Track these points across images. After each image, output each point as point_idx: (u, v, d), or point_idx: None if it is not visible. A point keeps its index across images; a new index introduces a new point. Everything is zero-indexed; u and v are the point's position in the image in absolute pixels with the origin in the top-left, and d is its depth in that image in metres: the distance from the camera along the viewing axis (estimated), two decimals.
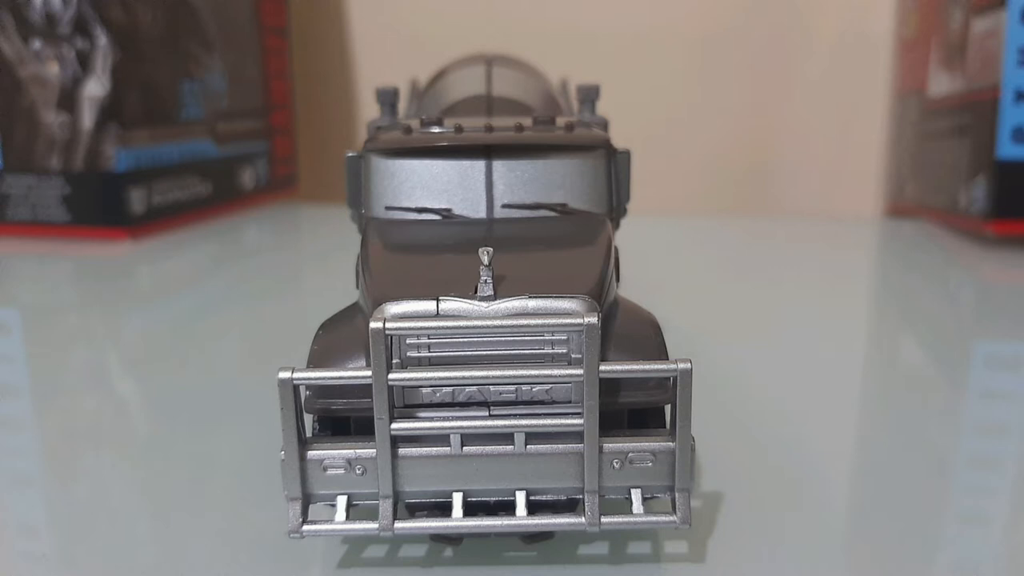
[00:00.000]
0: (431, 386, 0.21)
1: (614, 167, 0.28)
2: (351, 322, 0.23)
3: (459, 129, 0.27)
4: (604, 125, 0.31)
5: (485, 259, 0.21)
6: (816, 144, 0.85)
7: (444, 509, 0.21)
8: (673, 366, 0.20)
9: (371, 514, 0.21)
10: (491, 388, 0.21)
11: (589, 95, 0.32)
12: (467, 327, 0.20)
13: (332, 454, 0.21)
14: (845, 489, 0.27)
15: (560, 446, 0.21)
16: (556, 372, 0.20)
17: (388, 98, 0.32)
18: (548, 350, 0.21)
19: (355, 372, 0.20)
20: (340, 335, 0.22)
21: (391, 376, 0.20)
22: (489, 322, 0.20)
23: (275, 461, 0.21)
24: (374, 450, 0.20)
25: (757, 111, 0.85)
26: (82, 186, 0.62)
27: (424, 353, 0.21)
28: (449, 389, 0.21)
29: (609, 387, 0.21)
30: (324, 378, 0.21)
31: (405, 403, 0.21)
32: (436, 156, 0.26)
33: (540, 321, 0.20)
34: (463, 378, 0.20)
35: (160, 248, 0.62)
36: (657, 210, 0.71)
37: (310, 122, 0.90)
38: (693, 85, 0.85)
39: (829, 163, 0.86)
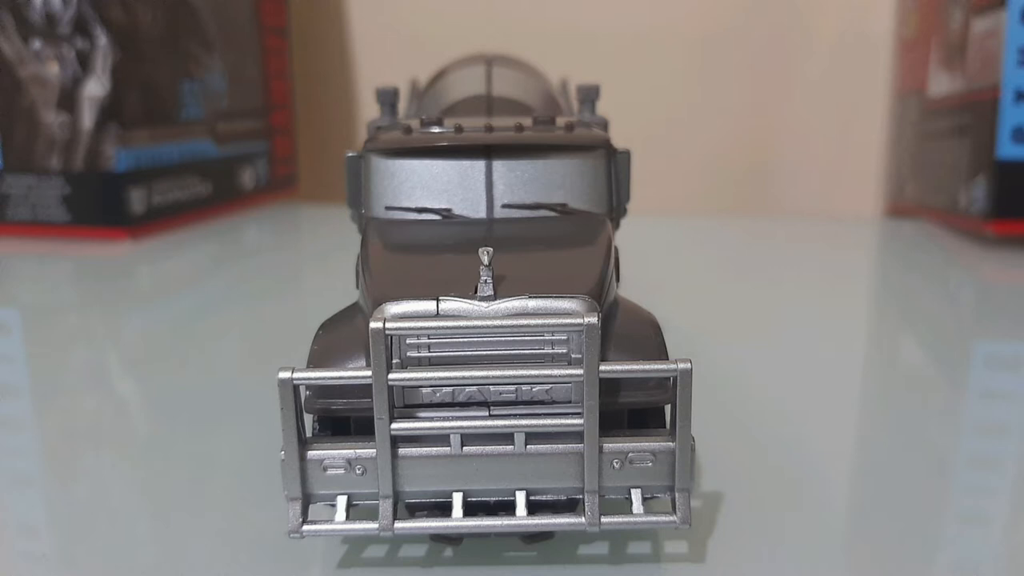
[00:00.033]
0: (431, 386, 0.21)
1: (614, 167, 0.28)
2: (351, 322, 0.23)
3: (459, 129, 0.27)
4: (604, 125, 0.31)
5: (485, 259, 0.21)
6: (816, 144, 0.85)
7: (444, 509, 0.21)
8: (673, 366, 0.20)
9: (371, 514, 0.21)
10: (491, 388, 0.21)
11: (589, 95, 0.32)
12: (467, 327, 0.20)
13: (332, 454, 0.21)
14: (845, 489, 0.27)
15: (560, 446, 0.21)
16: (556, 372, 0.20)
17: (388, 98, 0.32)
18: (548, 350, 0.21)
19: (355, 372, 0.20)
20: (340, 335, 0.22)
21: (391, 376, 0.20)
22: (489, 322, 0.20)
23: (275, 461, 0.21)
24: (374, 450, 0.20)
25: (757, 111, 0.85)
26: (82, 186, 0.62)
27: (424, 353, 0.21)
28: (449, 389, 0.21)
29: (609, 387, 0.21)
30: (324, 378, 0.21)
31: (405, 403, 0.21)
32: (436, 156, 0.26)
33: (540, 321, 0.20)
34: (463, 378, 0.20)
35: (160, 248, 0.62)
36: (657, 210, 0.71)
37: (310, 122, 0.90)
38: (693, 85, 0.85)
39: (829, 163, 0.86)
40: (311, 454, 0.21)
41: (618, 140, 0.29)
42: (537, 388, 0.21)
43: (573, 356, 0.20)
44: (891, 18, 0.82)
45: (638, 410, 0.22)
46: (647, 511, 0.21)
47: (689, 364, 0.20)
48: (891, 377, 0.38)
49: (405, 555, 0.22)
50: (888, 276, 0.61)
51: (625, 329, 0.22)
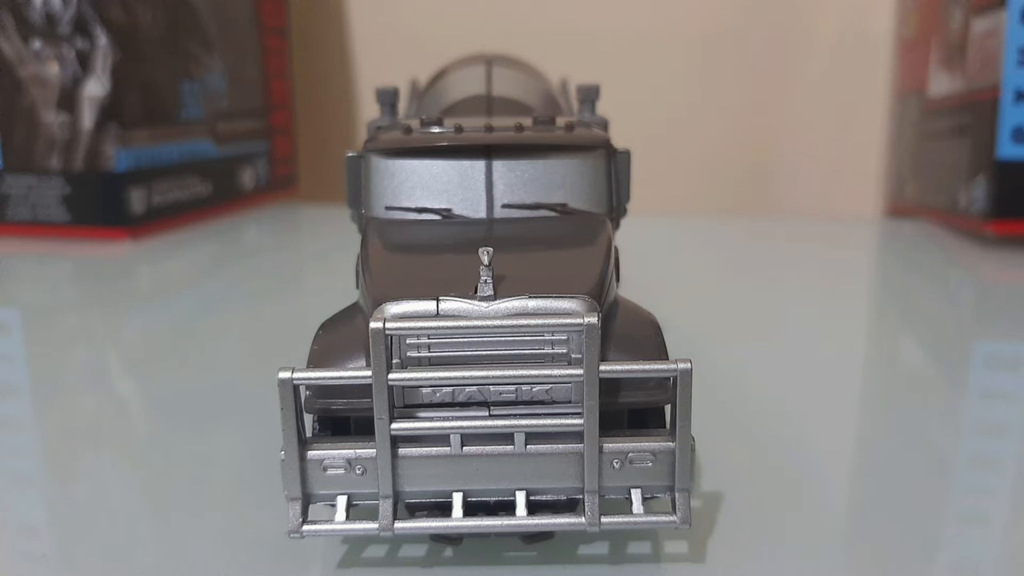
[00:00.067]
0: (431, 386, 0.21)
1: (614, 167, 0.28)
2: (351, 322, 0.23)
3: (459, 129, 0.27)
4: (604, 125, 0.31)
5: (485, 259, 0.21)
6: (816, 144, 0.85)
7: (444, 509, 0.21)
8: (673, 366, 0.20)
9: (371, 514, 0.21)
10: (491, 388, 0.21)
11: (589, 95, 0.32)
12: (467, 327, 0.20)
13: (332, 454, 0.21)
14: (845, 489, 0.27)
15: (560, 446, 0.21)
16: (556, 372, 0.20)
17: (388, 98, 0.32)
18: (548, 350, 0.21)
19: (355, 372, 0.20)
20: (340, 335, 0.22)
21: (391, 376, 0.20)
22: (489, 322, 0.20)
23: (275, 461, 0.21)
24: (374, 450, 0.20)
25: (757, 111, 0.85)
26: (82, 186, 0.62)
27: (424, 353, 0.21)
28: (449, 389, 0.21)
29: (609, 387, 0.21)
30: (324, 378, 0.21)
31: (405, 403, 0.21)
32: (436, 156, 0.26)
33: (540, 321, 0.20)
34: (463, 378, 0.20)
35: (160, 248, 0.62)
36: (657, 210, 0.71)
37: (310, 122, 0.90)
38: (693, 85, 0.85)
39: (829, 163, 0.86)
40: (311, 454, 0.21)
41: (618, 140, 0.29)
42: (537, 388, 0.21)
43: (573, 356, 0.20)
44: (891, 18, 0.82)
45: (638, 410, 0.22)
46: (647, 511, 0.21)
47: (689, 364, 0.20)
48: (891, 377, 0.38)
49: (405, 555, 0.22)
50: (888, 276, 0.61)
51: (625, 329, 0.22)
